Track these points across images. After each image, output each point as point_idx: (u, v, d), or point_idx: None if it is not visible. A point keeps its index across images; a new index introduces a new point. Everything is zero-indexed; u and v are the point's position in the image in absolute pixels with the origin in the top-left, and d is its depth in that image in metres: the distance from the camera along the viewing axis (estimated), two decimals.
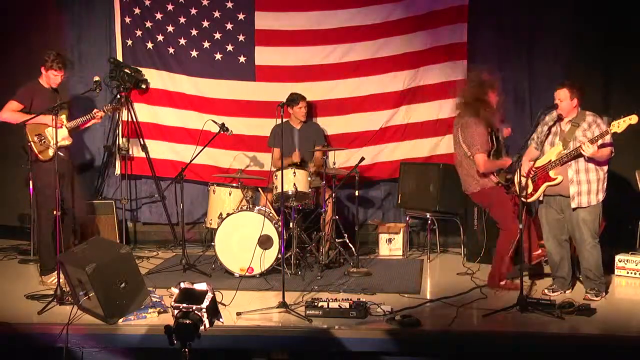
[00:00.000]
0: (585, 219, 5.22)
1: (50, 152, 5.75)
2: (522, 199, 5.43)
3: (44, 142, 5.74)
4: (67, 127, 5.86)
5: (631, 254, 6.10)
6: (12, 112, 5.73)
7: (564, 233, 5.40)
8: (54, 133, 5.46)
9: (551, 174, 5.25)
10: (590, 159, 5.12)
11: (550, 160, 5.25)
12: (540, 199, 5.38)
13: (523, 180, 5.42)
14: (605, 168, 5.22)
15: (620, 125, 4.93)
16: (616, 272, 6.04)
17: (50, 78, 5.83)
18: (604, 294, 5.37)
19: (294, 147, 6.80)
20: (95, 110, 6.04)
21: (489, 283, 5.68)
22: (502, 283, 5.65)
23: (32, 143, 5.72)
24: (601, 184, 5.20)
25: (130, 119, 7.40)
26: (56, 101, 5.82)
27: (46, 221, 5.83)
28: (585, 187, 5.18)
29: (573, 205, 5.21)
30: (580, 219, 5.23)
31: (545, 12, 7.13)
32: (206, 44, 7.45)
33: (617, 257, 6.05)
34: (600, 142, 5.07)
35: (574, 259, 5.53)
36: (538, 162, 5.34)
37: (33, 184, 5.81)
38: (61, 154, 5.79)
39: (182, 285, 3.15)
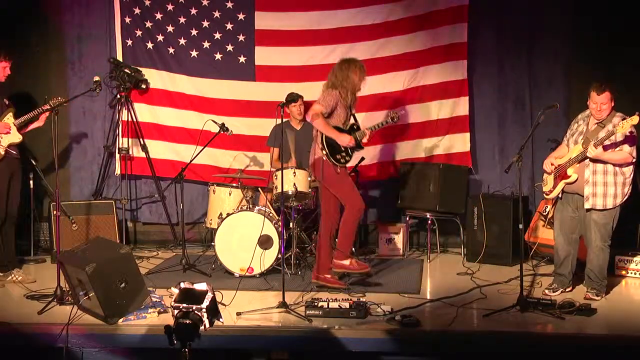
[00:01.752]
0: (597, 221, 5.22)
1: (0, 150, 5.84)
2: (545, 195, 5.47)
3: None
4: (15, 125, 5.93)
5: (631, 254, 6.10)
6: None
7: (575, 232, 5.40)
8: (53, 137, 5.51)
9: (568, 171, 5.26)
10: (598, 161, 5.12)
11: (570, 158, 5.26)
12: (560, 196, 5.39)
13: (546, 176, 5.45)
14: (628, 172, 5.19)
15: (624, 126, 4.95)
16: (616, 272, 6.05)
17: (0, 72, 5.94)
18: (604, 294, 5.38)
19: (292, 149, 6.73)
20: (43, 106, 6.03)
21: (316, 274, 5.64)
22: (328, 276, 5.62)
23: None
24: (620, 188, 5.18)
25: (130, 119, 7.39)
26: (2, 100, 5.96)
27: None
28: (601, 189, 5.17)
29: (587, 206, 5.21)
30: (593, 221, 5.24)
31: (545, 12, 7.12)
32: (206, 44, 7.45)
33: (617, 257, 6.06)
34: (620, 140, 5.07)
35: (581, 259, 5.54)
36: (560, 160, 5.36)
37: None
38: (13, 152, 5.85)
39: (182, 285, 3.15)
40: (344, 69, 5.66)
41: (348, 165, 5.74)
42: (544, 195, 5.57)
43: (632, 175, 5.23)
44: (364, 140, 5.77)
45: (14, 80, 7.23)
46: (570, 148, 5.36)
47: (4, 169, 5.93)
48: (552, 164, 5.40)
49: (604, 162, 5.14)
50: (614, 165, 5.14)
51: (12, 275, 5.94)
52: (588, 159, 5.17)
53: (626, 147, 5.12)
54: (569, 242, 5.42)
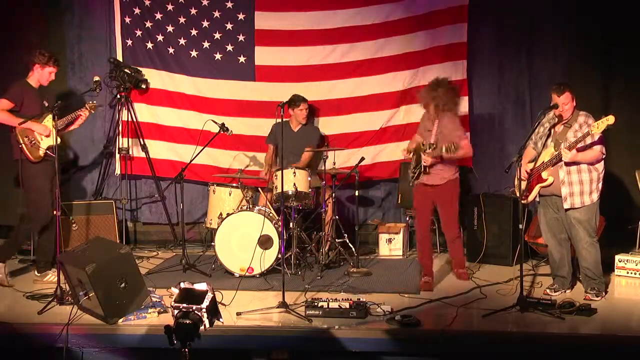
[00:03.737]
0: (579, 219, 5.24)
1: (41, 152, 5.82)
2: (522, 201, 5.46)
3: (34, 143, 5.81)
4: (54, 128, 5.88)
5: (631, 254, 6.10)
6: (4, 112, 5.75)
7: (563, 231, 5.41)
8: (54, 134, 5.53)
9: (543, 175, 5.28)
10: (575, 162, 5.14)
11: (543, 162, 5.28)
12: (537, 199, 5.40)
13: (522, 182, 5.45)
14: (600, 168, 5.23)
15: (599, 126, 4.96)
16: (616, 272, 6.05)
17: (45, 76, 5.91)
18: (604, 293, 5.38)
19: (291, 149, 6.71)
20: (80, 109, 6.05)
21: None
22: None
23: (22, 145, 5.77)
24: (595, 184, 5.21)
25: (130, 119, 7.40)
26: (42, 102, 5.94)
27: (40, 222, 5.90)
28: (578, 187, 5.19)
29: (565, 206, 5.23)
30: (575, 219, 5.25)
31: (545, 12, 7.12)
32: (206, 44, 7.45)
33: (617, 257, 6.06)
34: (589, 142, 5.08)
35: (574, 259, 5.54)
36: (532, 164, 5.37)
37: (23, 185, 5.90)
38: (51, 154, 5.83)
39: (182, 285, 3.16)
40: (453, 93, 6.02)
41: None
42: (520, 200, 5.54)
43: (604, 170, 5.26)
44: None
45: (15, 80, 7.22)
46: (541, 152, 5.36)
47: (45, 171, 5.87)
48: (526, 171, 5.40)
49: (578, 162, 5.16)
50: (587, 163, 5.17)
51: (49, 275, 5.93)
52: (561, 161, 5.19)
53: (596, 145, 5.15)
54: (559, 242, 5.44)
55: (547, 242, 5.50)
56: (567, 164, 5.17)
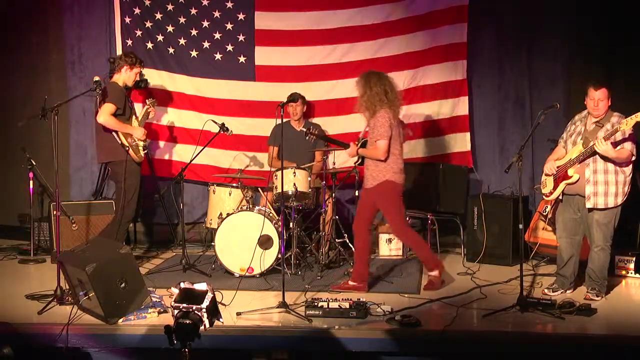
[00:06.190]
0: (599, 221, 5.22)
1: (142, 153, 6.15)
2: (544, 197, 5.48)
3: (136, 144, 6.10)
4: (141, 127, 6.24)
5: (631, 254, 6.10)
6: (111, 117, 5.95)
7: (578, 233, 5.40)
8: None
9: (569, 172, 5.26)
10: (607, 159, 5.12)
11: (570, 159, 5.27)
12: (560, 197, 5.39)
13: (545, 178, 5.45)
14: (628, 171, 5.19)
15: (628, 122, 4.95)
16: (616, 272, 6.04)
17: (132, 76, 6.22)
18: (604, 294, 5.38)
19: (293, 150, 6.73)
20: (147, 103, 6.43)
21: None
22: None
23: (129, 147, 6.03)
24: (621, 187, 5.18)
25: None
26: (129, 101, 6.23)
27: (129, 219, 6.28)
28: (602, 188, 5.17)
29: (588, 206, 5.20)
30: (595, 221, 5.23)
31: (545, 12, 7.12)
32: (206, 44, 7.45)
33: (617, 257, 6.05)
34: (619, 138, 5.08)
35: (583, 262, 5.52)
36: (560, 161, 5.37)
37: (124, 184, 6.08)
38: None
39: (182, 285, 3.16)
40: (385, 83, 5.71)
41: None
42: (544, 197, 5.57)
43: (631, 174, 5.24)
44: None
45: (15, 79, 7.25)
46: (569, 149, 5.37)
47: (139, 171, 6.28)
48: (555, 168, 5.40)
49: (605, 161, 5.14)
50: (614, 164, 5.15)
51: None
52: (588, 159, 5.17)
53: (627, 145, 5.14)
54: (572, 244, 5.42)
55: (560, 240, 5.49)
56: (594, 162, 5.15)
